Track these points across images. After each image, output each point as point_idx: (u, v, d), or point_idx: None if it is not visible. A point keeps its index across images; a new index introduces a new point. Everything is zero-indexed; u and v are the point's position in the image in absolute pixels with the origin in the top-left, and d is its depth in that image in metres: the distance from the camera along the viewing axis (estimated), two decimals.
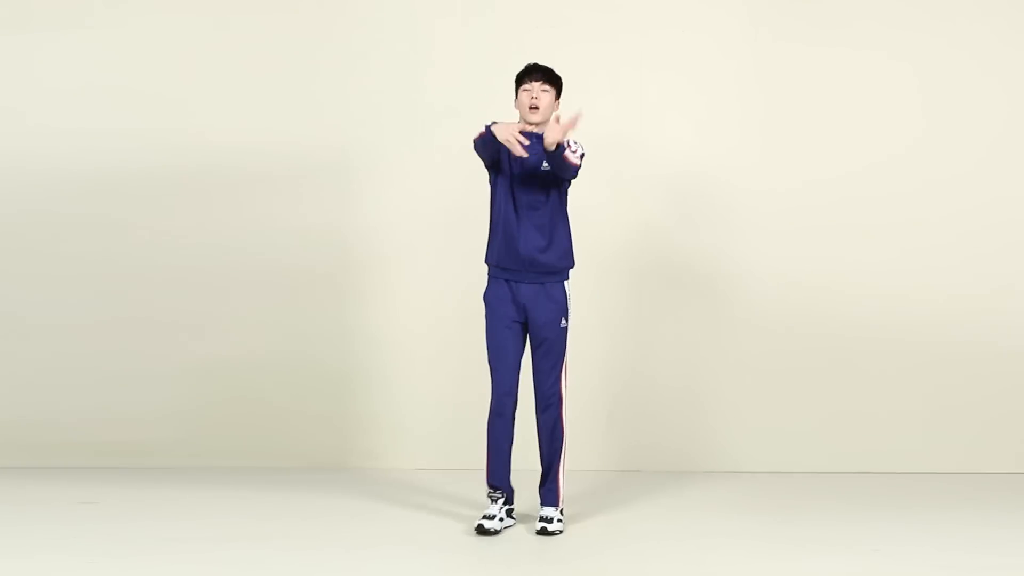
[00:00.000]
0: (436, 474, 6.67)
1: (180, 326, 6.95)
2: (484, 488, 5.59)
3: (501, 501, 5.51)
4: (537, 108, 5.42)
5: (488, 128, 5.30)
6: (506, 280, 5.50)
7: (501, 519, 5.47)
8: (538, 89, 5.43)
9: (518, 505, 5.65)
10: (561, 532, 5.46)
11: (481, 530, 5.38)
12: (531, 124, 5.43)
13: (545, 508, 5.53)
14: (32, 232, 6.96)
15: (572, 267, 5.57)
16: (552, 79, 5.47)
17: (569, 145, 5.34)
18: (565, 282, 5.56)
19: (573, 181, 5.52)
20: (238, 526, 5.56)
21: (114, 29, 6.95)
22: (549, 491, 5.54)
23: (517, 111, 5.51)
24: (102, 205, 6.94)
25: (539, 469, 5.60)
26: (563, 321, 5.53)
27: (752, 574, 4.85)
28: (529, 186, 5.44)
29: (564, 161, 5.30)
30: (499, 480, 5.52)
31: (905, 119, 6.89)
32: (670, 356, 6.91)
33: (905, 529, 5.55)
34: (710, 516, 5.84)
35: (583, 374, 6.81)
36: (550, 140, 5.21)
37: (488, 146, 5.33)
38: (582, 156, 5.41)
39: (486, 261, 5.58)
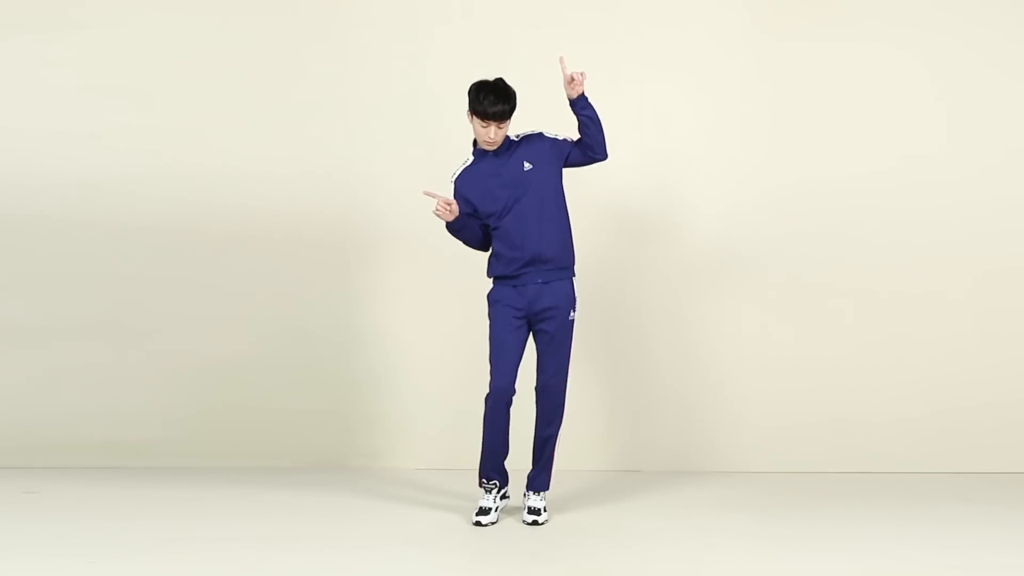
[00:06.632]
0: (436, 474, 6.67)
1: (180, 326, 6.95)
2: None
3: (495, 491, 5.62)
4: (494, 143, 5.55)
5: (450, 228, 5.64)
6: (513, 286, 5.56)
7: (496, 508, 5.62)
8: (494, 129, 5.49)
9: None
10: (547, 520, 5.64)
11: (479, 525, 5.52)
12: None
13: (534, 496, 5.69)
14: (31, 232, 6.96)
15: (574, 263, 5.65)
16: (510, 114, 5.50)
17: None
18: (572, 279, 5.65)
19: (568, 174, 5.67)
20: (238, 526, 5.56)
21: (111, 29, 6.94)
22: (543, 473, 5.71)
23: (470, 124, 5.56)
24: (101, 206, 6.94)
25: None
26: (572, 313, 5.60)
27: (752, 574, 4.85)
28: (520, 194, 5.52)
29: (595, 127, 5.54)
30: (495, 470, 5.62)
31: (913, 117, 6.85)
32: (670, 356, 6.91)
33: (905, 529, 5.55)
34: (710, 516, 5.83)
35: (583, 374, 6.82)
36: (576, 93, 5.50)
37: (465, 227, 5.61)
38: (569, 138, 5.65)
39: (489, 275, 5.66)
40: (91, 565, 4.91)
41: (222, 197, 6.94)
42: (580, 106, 5.53)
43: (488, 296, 5.64)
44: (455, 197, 5.60)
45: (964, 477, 6.69)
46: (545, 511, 5.63)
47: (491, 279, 5.67)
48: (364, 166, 6.94)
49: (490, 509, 5.59)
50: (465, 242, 5.71)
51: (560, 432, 5.68)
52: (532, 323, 5.60)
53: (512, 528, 5.55)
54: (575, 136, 5.61)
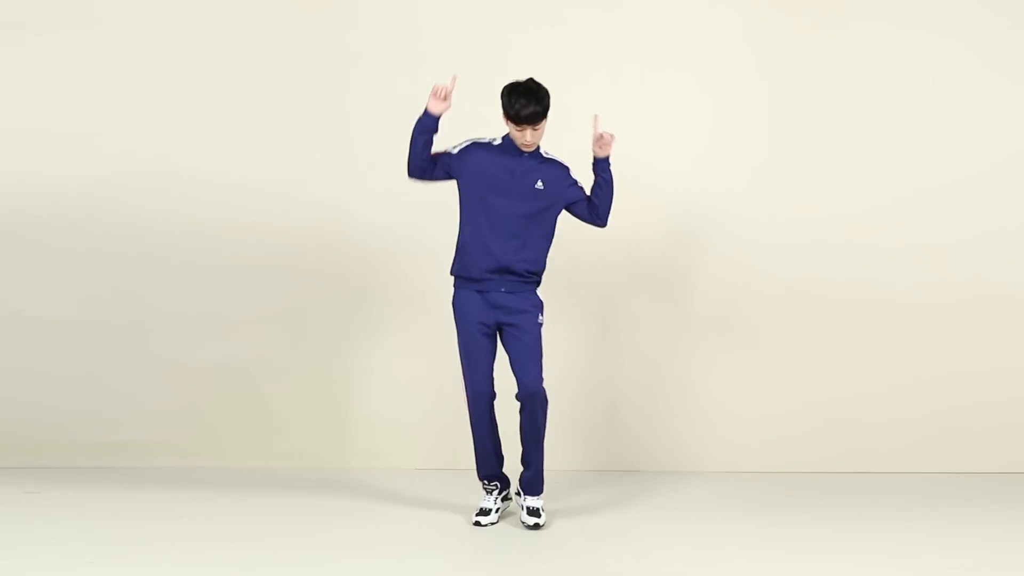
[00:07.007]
0: (436, 474, 6.67)
1: (180, 327, 6.95)
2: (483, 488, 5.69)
3: (496, 492, 5.66)
4: (531, 145, 5.51)
5: (420, 126, 5.47)
6: (477, 291, 5.53)
7: (497, 510, 5.64)
8: (530, 132, 5.46)
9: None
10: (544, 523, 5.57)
11: (479, 525, 5.55)
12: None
13: (531, 498, 5.59)
14: (31, 232, 6.96)
15: (539, 283, 5.61)
16: (544, 115, 5.45)
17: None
18: (536, 290, 5.61)
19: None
20: (238, 526, 5.56)
21: (114, 29, 6.94)
22: (536, 476, 5.59)
23: (504, 126, 5.54)
24: (102, 205, 6.93)
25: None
26: (540, 316, 5.56)
27: (752, 574, 4.85)
28: (519, 203, 5.50)
29: (608, 192, 5.60)
30: (493, 475, 5.66)
31: (913, 118, 6.86)
32: (670, 356, 6.90)
33: (905, 529, 5.55)
34: (710, 516, 5.84)
35: (583, 374, 6.83)
36: (603, 153, 5.57)
37: (431, 144, 5.46)
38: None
39: (452, 272, 5.61)
40: (91, 565, 4.91)
41: (222, 197, 6.93)
42: (601, 168, 5.59)
43: (453, 302, 5.60)
44: (463, 147, 5.54)
45: (964, 477, 6.69)
46: (543, 510, 5.62)
47: (453, 278, 5.61)
48: (363, 167, 6.93)
49: (491, 510, 5.61)
50: (413, 144, 5.50)
51: (548, 432, 5.61)
52: (500, 327, 5.56)
53: (512, 528, 5.55)
54: (588, 193, 5.64)
